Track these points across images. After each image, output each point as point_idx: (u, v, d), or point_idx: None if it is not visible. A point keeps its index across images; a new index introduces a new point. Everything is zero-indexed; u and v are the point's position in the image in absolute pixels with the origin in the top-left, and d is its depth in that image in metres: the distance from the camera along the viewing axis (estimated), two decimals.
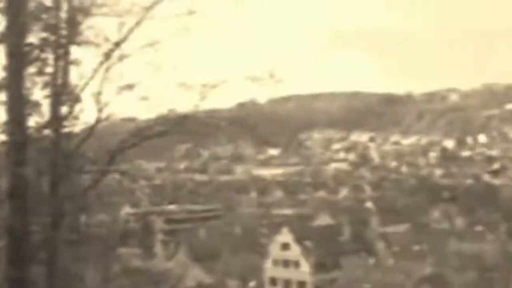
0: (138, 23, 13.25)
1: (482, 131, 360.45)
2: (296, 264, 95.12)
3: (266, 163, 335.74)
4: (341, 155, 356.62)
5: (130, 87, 13.53)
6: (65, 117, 12.64)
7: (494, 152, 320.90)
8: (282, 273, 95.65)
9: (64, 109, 12.64)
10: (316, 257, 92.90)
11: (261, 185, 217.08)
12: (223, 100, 15.25)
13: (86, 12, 12.90)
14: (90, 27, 13.02)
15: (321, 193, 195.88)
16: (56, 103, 12.55)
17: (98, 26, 13.09)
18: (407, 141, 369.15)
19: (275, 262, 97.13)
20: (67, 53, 12.72)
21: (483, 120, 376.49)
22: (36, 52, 12.31)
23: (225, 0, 14.27)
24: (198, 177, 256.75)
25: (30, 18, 12.07)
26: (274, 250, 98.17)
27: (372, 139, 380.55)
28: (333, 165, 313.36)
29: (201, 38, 16.29)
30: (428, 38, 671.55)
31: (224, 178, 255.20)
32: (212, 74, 14.48)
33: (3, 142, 11.89)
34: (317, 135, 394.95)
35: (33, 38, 12.27)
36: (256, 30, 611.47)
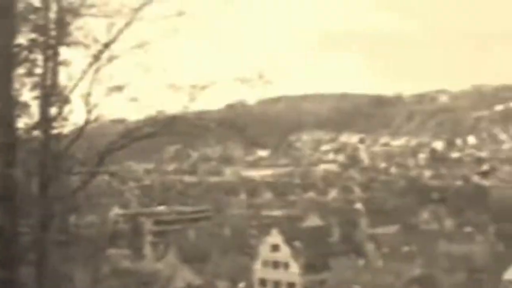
0: (127, 24, 13.25)
1: (471, 132, 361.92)
2: (286, 265, 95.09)
3: (255, 164, 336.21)
4: (331, 156, 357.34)
5: (119, 88, 13.53)
6: (54, 118, 12.62)
7: (483, 154, 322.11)
8: (271, 274, 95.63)
9: (53, 110, 12.62)
10: (305, 258, 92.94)
11: (250, 186, 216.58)
12: (212, 101, 15.30)
13: (75, 12, 12.86)
14: (80, 28, 13.01)
15: (311, 194, 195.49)
16: (45, 104, 12.53)
17: (88, 27, 13.10)
18: (397, 143, 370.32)
19: (265, 263, 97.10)
20: (56, 54, 12.68)
21: (472, 122, 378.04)
22: (25, 53, 12.28)
23: (214, 1, 14.31)
24: (187, 178, 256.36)
25: (19, 19, 12.04)
26: (264, 251, 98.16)
27: (361, 140, 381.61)
28: (323, 166, 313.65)
29: (191, 39, 16.32)
30: (417, 39, 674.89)
31: (213, 179, 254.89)
32: (201, 75, 14.54)
33: None
34: (306, 136, 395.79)
35: (22, 39, 12.27)
36: (246, 32, 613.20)
